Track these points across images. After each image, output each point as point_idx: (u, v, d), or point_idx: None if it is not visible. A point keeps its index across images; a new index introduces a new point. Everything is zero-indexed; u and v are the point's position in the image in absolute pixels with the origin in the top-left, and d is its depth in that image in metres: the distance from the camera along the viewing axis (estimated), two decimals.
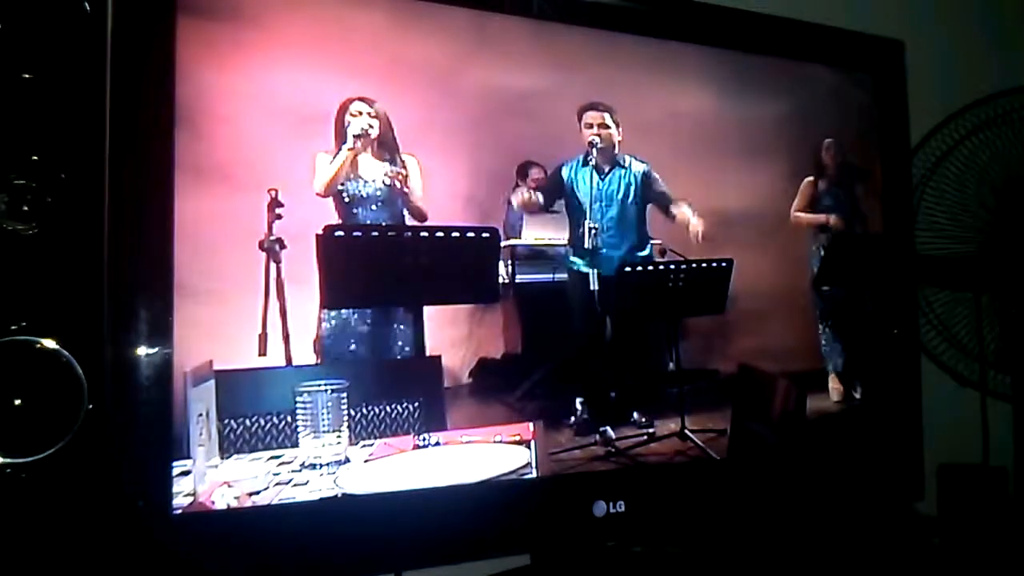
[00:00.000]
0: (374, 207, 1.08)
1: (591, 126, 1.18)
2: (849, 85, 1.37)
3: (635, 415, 1.19)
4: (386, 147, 1.07)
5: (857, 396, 1.36)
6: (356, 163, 1.06)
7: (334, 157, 1.04)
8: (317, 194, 1.02)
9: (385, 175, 1.07)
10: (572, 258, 1.20)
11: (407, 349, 1.07)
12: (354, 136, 1.04)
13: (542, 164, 1.16)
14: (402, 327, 1.08)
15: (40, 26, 0.82)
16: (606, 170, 1.20)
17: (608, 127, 1.18)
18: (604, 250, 1.19)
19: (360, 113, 1.04)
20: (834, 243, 1.35)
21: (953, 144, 1.56)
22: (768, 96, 1.31)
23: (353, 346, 1.05)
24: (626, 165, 1.21)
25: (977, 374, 1.57)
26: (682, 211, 1.23)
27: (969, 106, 1.55)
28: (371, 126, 1.05)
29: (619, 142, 1.19)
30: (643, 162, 1.21)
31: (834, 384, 1.35)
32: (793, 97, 1.33)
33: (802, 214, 1.33)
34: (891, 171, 1.41)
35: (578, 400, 1.16)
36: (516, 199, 1.15)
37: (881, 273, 1.40)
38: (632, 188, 1.21)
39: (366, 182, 1.07)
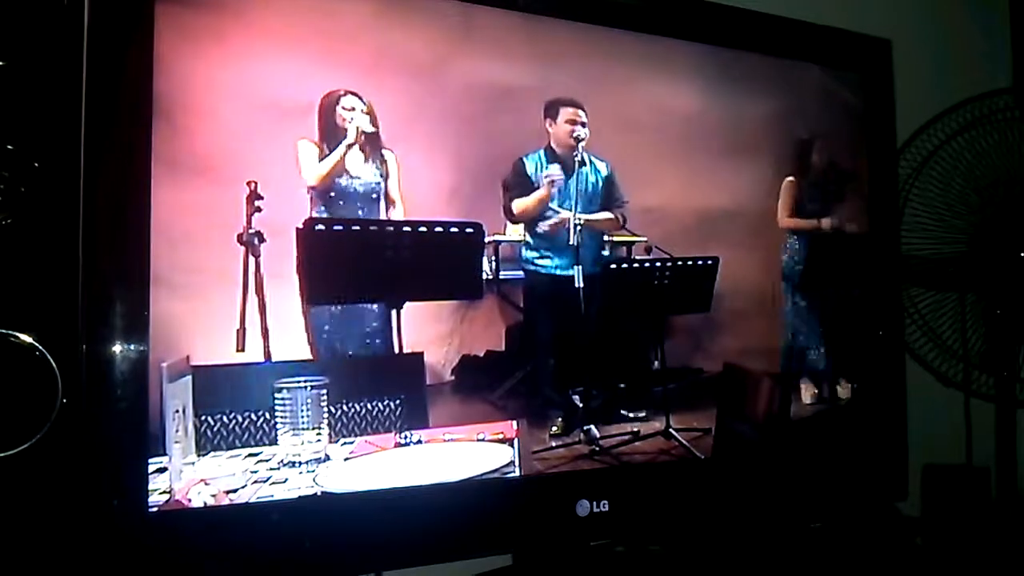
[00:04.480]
0: (359, 203, 1.06)
1: (573, 122, 1.16)
2: (836, 84, 1.37)
3: (623, 412, 1.19)
4: (372, 143, 1.06)
5: (839, 397, 1.36)
6: (345, 158, 1.05)
7: (327, 150, 1.03)
8: (309, 186, 1.01)
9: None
10: (538, 259, 1.18)
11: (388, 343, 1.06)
12: (359, 131, 1.03)
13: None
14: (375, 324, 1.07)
15: (15, 14, 0.80)
16: (574, 167, 1.19)
17: (585, 124, 1.17)
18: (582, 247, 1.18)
19: (354, 108, 1.03)
20: (818, 243, 1.35)
21: (939, 144, 1.55)
22: (755, 94, 1.31)
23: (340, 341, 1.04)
24: (588, 163, 1.19)
25: (961, 375, 1.57)
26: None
27: (955, 106, 1.55)
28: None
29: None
30: (603, 161, 1.20)
31: (805, 385, 1.35)
32: (780, 95, 1.33)
33: (791, 220, 1.33)
34: (877, 170, 1.41)
35: (562, 398, 1.15)
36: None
37: (866, 273, 1.40)
38: (598, 187, 1.20)
39: (353, 178, 1.06)
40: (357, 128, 1.03)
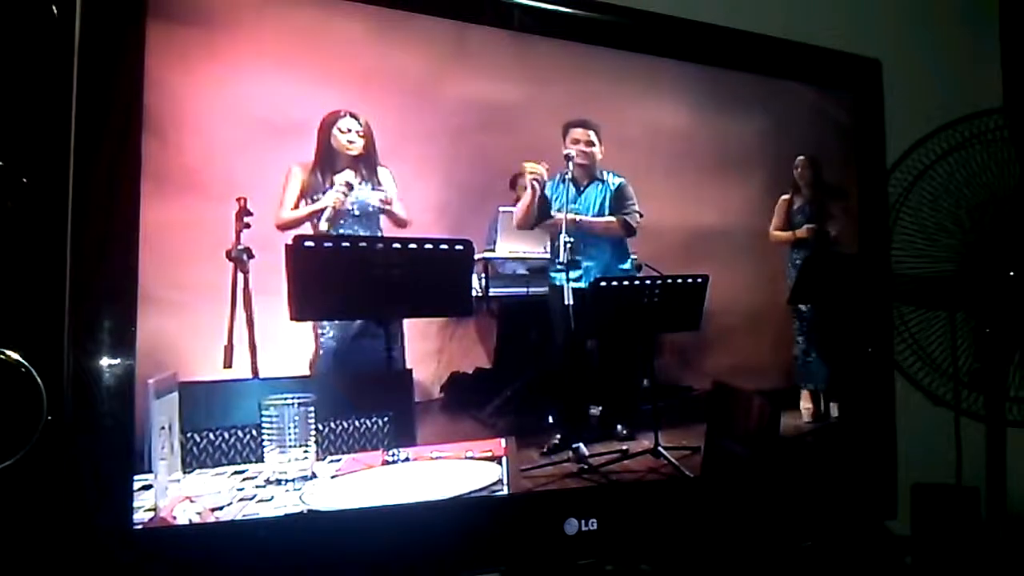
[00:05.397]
0: (355, 221, 1.06)
1: (577, 142, 1.17)
2: (826, 103, 1.38)
3: (617, 427, 1.19)
4: (367, 163, 1.05)
5: (831, 415, 1.36)
6: (332, 180, 1.04)
7: (319, 173, 1.02)
8: (276, 225, 0.99)
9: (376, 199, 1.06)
10: (551, 272, 1.19)
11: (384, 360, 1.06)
12: (337, 200, 1.03)
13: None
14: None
15: (5, 29, 0.80)
16: (583, 185, 1.19)
17: (593, 144, 1.18)
18: (582, 264, 1.18)
19: (349, 130, 1.03)
20: (809, 260, 1.35)
21: (929, 163, 1.56)
22: (746, 113, 1.31)
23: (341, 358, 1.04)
24: (604, 180, 1.20)
25: (951, 393, 1.57)
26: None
27: (945, 126, 1.56)
28: (352, 143, 1.04)
29: (600, 159, 1.19)
30: (620, 176, 1.20)
31: (805, 403, 1.35)
32: (771, 114, 1.33)
33: (779, 232, 1.33)
34: (867, 189, 1.41)
35: (550, 416, 1.14)
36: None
37: (856, 291, 1.40)
38: (605, 202, 1.20)
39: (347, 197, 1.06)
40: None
